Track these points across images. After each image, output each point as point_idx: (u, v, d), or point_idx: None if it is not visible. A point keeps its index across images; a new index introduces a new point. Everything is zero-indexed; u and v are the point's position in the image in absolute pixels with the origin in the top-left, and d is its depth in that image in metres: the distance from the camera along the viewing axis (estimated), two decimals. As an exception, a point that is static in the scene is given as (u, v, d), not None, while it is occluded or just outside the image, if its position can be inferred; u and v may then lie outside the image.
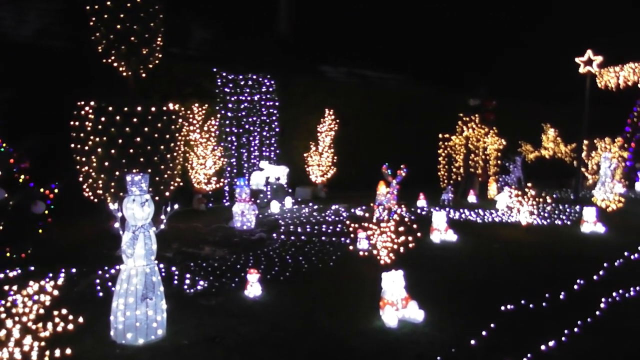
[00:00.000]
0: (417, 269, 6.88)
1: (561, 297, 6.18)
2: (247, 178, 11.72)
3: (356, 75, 21.47)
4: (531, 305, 5.84)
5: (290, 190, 13.45)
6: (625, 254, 8.31)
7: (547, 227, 10.89)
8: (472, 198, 14.43)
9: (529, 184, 10.73)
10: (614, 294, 6.23)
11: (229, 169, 13.07)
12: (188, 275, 6.80)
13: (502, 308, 5.74)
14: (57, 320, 5.18)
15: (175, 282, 6.59)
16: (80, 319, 5.20)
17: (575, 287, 6.58)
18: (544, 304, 5.93)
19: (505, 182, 16.32)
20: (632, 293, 6.31)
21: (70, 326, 5.08)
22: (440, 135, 14.34)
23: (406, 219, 7.11)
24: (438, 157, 14.42)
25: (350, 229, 8.77)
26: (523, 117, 20.61)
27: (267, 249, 8.43)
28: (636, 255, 8.24)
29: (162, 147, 8.58)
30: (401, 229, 6.97)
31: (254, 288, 6.22)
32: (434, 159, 14.51)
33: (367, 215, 11.29)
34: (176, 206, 5.25)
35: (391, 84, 20.89)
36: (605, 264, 7.59)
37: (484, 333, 5.03)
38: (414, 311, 5.39)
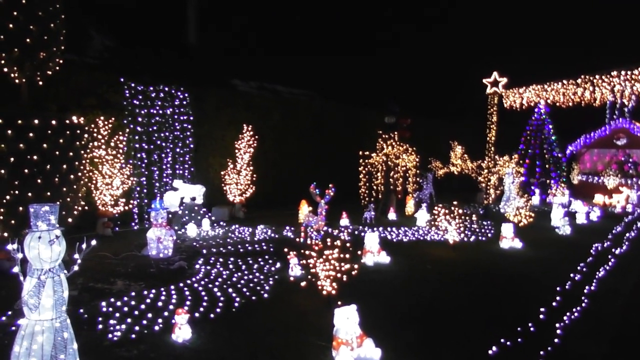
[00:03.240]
0: (356, 296, 6.43)
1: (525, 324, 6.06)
2: (162, 200, 10.64)
3: (267, 89, 20.99)
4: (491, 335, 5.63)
5: (207, 211, 12.52)
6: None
7: (470, 244, 11.06)
8: (391, 215, 14.48)
9: (455, 202, 10.83)
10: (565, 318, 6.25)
11: (138, 189, 11.86)
12: (100, 319, 5.78)
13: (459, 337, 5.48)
14: None
15: (85, 328, 5.53)
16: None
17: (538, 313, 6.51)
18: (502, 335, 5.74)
19: (420, 198, 16.68)
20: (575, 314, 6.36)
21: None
22: (360, 153, 14.22)
23: (343, 240, 6.66)
24: (358, 174, 14.27)
25: (286, 253, 8.11)
26: (433, 134, 21.40)
27: (191, 280, 7.54)
28: (578, 275, 8.44)
29: (64, 166, 7.39)
30: (335, 252, 6.49)
31: (182, 331, 5.39)
32: (355, 176, 14.34)
33: (297, 238, 10.81)
34: (93, 242, 4.32)
35: (303, 100, 20.62)
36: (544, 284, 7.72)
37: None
38: (371, 350, 4.91)
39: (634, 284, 8.12)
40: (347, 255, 6.53)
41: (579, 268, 8.75)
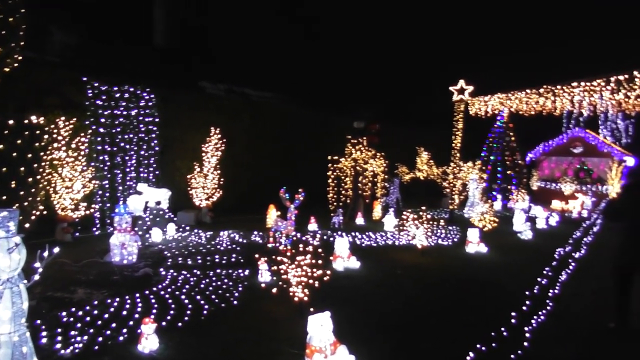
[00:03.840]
0: (328, 303, 6.36)
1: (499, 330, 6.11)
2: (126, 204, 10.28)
3: (236, 92, 20.77)
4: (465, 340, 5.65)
5: (172, 216, 12.21)
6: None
7: (437, 249, 11.17)
8: (359, 220, 14.51)
9: (423, 208, 10.92)
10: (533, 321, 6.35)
11: (100, 192, 11.45)
12: (60, 330, 5.50)
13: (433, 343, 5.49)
14: None
15: (44, 341, 5.24)
16: None
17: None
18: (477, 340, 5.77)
19: (387, 203, 16.80)
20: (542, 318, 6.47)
21: None
22: (329, 157, 14.19)
23: (314, 246, 6.56)
24: (327, 179, 14.23)
25: (255, 259, 7.96)
26: (400, 140, 21.62)
27: (157, 287, 7.29)
28: (545, 280, 8.60)
29: (22, 168, 7.03)
30: (306, 257, 6.40)
31: (149, 341, 5.18)
32: (323, 181, 14.29)
33: (266, 243, 10.66)
34: (56, 249, 4.09)
35: (272, 104, 20.49)
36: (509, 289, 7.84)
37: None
38: (344, 357, 4.84)
39: (595, 287, 8.35)
40: (319, 261, 6.45)
41: (544, 272, 8.95)
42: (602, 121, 29.91)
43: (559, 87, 12.91)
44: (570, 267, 9.52)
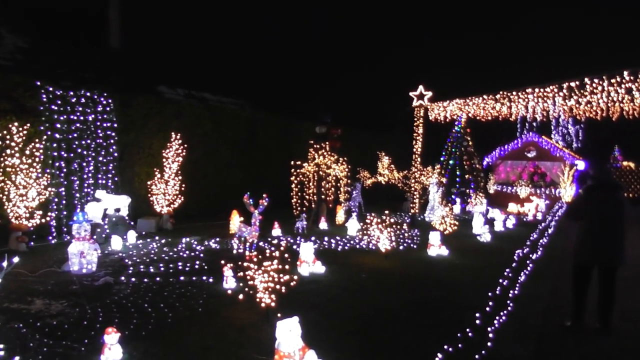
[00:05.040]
0: (295, 308, 6.37)
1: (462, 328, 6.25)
2: (84, 211, 9.97)
3: (196, 97, 20.51)
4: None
5: (132, 223, 11.91)
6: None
7: (400, 252, 11.35)
8: (323, 225, 14.57)
9: (386, 212, 11.08)
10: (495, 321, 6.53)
11: (56, 200, 11.06)
12: (18, 343, 5.27)
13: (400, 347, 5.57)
14: None
15: (1, 354, 5.03)
16: None
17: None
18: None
19: (349, 207, 16.96)
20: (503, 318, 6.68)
21: None
22: (292, 162, 14.20)
23: (280, 251, 6.55)
24: (290, 184, 14.24)
25: (219, 265, 7.87)
26: (362, 145, 21.87)
27: (118, 296, 7.10)
28: (506, 281, 8.87)
29: (-27, 176, 6.73)
30: (272, 262, 6.37)
31: (112, 352, 5.03)
32: (286, 185, 14.29)
33: (231, 249, 10.55)
34: (16, 259, 3.94)
35: (233, 109, 20.33)
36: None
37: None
38: (313, 362, 4.86)
39: (551, 287, 8.68)
40: (286, 266, 6.44)
41: (504, 273, 9.23)
42: (554, 126, 31.23)
43: (514, 93, 13.38)
44: (528, 268, 9.85)
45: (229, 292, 7.47)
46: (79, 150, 11.60)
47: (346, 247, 11.65)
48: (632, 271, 9.86)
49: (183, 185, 13.57)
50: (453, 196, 22.03)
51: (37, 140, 10.18)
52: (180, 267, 9.00)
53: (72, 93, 11.45)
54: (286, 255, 6.90)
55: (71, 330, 5.74)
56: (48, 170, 10.74)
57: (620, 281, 6.64)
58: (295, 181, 14.24)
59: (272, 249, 7.15)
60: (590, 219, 6.51)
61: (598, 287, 6.57)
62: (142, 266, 8.98)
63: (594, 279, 6.62)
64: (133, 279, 8.02)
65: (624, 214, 6.45)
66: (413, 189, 16.97)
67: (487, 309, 7.01)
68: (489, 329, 6.15)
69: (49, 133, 10.89)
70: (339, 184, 15.42)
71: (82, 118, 11.64)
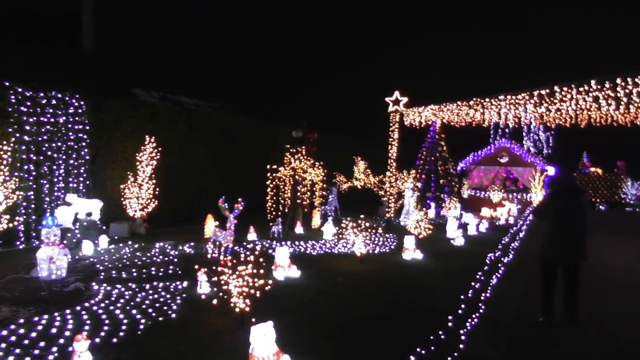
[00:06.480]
0: (270, 312, 6.35)
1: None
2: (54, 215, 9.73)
3: (171, 100, 20.29)
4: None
5: (104, 228, 11.69)
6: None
7: (375, 256, 11.42)
8: (299, 229, 14.55)
9: (362, 216, 11.14)
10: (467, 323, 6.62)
11: (25, 204, 10.77)
12: (-18, 351, 5.12)
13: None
14: None
15: (-36, 363, 4.88)
16: None
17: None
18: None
19: (325, 212, 16.99)
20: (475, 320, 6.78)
21: None
22: (268, 166, 14.16)
23: (255, 255, 6.52)
24: (266, 188, 14.19)
25: (193, 270, 7.79)
26: (338, 149, 21.96)
27: (89, 303, 6.96)
28: (478, 284, 8.99)
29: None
30: (247, 267, 6.34)
31: None
32: (262, 190, 14.23)
33: (205, 253, 10.45)
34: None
35: (209, 112, 20.19)
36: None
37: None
38: (288, 367, 4.85)
39: (522, 289, 8.85)
40: (261, 271, 6.42)
41: (477, 276, 9.37)
42: (525, 133, 31.92)
43: (487, 99, 13.63)
44: (500, 271, 10.03)
45: (203, 297, 7.40)
46: (49, 153, 11.34)
47: (322, 252, 11.66)
48: (599, 274, 10.20)
49: (157, 189, 13.40)
50: (428, 201, 22.28)
51: (4, 142, 9.92)
52: (153, 272, 8.87)
53: (42, 94, 11.21)
54: (261, 259, 6.89)
55: (39, 338, 5.59)
56: (16, 174, 10.47)
57: (587, 285, 6.87)
58: (271, 185, 14.20)
59: (247, 253, 7.13)
60: (555, 221, 7.03)
61: (563, 284, 7.02)
62: (114, 272, 8.81)
63: (560, 276, 7.02)
64: (104, 285, 7.86)
65: (585, 215, 7.02)
66: (388, 193, 17.10)
67: (460, 311, 7.11)
68: (461, 331, 6.24)
69: (18, 135, 10.61)
70: (314, 188, 15.44)
71: (52, 120, 11.39)
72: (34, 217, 10.97)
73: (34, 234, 10.84)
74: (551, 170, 25.81)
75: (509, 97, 12.91)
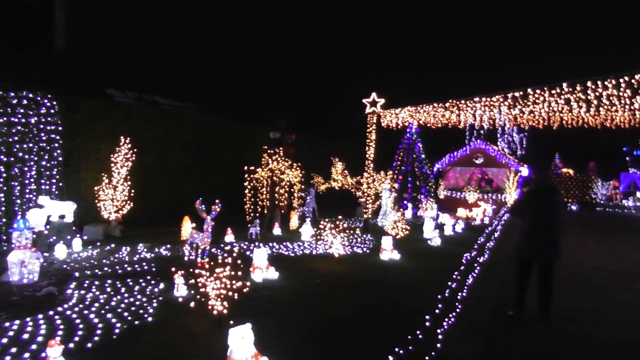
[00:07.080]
0: (248, 314, 6.32)
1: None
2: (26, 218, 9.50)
3: (146, 101, 19.99)
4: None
5: (78, 230, 11.45)
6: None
7: (353, 257, 11.46)
8: (277, 230, 14.52)
9: (339, 217, 11.16)
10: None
11: (-6, 206, 10.50)
12: (-50, 359, 4.97)
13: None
14: None
15: None
16: None
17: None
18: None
19: (303, 213, 16.99)
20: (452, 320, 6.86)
21: None
22: (245, 168, 14.09)
23: (232, 257, 6.48)
24: (244, 189, 14.11)
25: (170, 272, 7.70)
26: (316, 151, 21.97)
27: (62, 307, 6.81)
28: (454, 283, 9.10)
29: None
30: (225, 269, 6.31)
31: (56, 365, 4.83)
32: (240, 191, 14.15)
33: (182, 255, 10.33)
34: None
35: (185, 113, 19.97)
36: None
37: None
38: (266, 368, 4.83)
39: (497, 288, 9.01)
40: (239, 273, 6.38)
41: (453, 276, 9.49)
42: (500, 134, 32.49)
43: (462, 101, 13.82)
44: (476, 271, 10.18)
45: (180, 300, 7.32)
46: (20, 154, 11.06)
47: (300, 253, 11.65)
48: (570, 273, 10.45)
49: (132, 191, 13.19)
50: (405, 201, 22.47)
51: (-27, 143, 9.64)
52: (128, 275, 8.73)
53: (12, 94, 10.93)
54: (239, 261, 6.86)
55: (11, 344, 5.45)
56: (-14, 175, 10.19)
57: (560, 282, 7.04)
58: (249, 187, 14.12)
59: (225, 255, 7.09)
60: (531, 219, 7.24)
61: (537, 281, 7.20)
62: (88, 275, 8.65)
63: (534, 274, 7.24)
64: (78, 289, 7.71)
65: (560, 215, 7.23)
66: (366, 194, 17.18)
67: (437, 311, 7.20)
68: (438, 330, 6.31)
69: (-13, 136, 10.34)
70: (292, 190, 15.42)
71: (23, 120, 11.12)
72: (4, 220, 10.69)
73: (4, 238, 10.56)
74: (525, 171, 26.33)
75: (483, 99, 13.11)
